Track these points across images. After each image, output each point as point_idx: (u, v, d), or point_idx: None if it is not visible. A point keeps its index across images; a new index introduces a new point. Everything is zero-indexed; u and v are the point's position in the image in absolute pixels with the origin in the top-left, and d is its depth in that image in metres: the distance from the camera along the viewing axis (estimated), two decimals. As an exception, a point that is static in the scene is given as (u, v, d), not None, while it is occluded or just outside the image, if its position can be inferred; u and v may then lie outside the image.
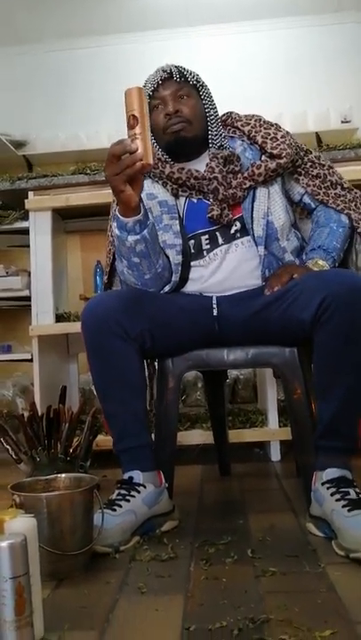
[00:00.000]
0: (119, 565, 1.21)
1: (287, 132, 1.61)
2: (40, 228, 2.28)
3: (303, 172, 1.62)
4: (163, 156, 1.59)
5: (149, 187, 1.58)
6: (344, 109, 4.44)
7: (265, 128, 1.60)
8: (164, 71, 1.55)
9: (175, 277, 1.54)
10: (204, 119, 1.57)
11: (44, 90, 4.78)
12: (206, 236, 1.55)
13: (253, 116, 1.66)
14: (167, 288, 1.55)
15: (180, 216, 1.57)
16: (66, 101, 4.74)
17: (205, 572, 1.15)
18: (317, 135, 4.55)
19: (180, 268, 1.54)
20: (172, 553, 1.25)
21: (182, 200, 1.59)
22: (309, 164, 1.63)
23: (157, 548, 1.28)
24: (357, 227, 1.58)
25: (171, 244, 1.55)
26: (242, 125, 1.62)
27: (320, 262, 1.51)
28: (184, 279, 1.57)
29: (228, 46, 4.72)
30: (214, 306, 1.53)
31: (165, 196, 1.58)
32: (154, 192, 1.59)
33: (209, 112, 1.58)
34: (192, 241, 1.56)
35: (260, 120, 1.63)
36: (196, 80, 1.57)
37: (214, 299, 1.54)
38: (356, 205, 1.60)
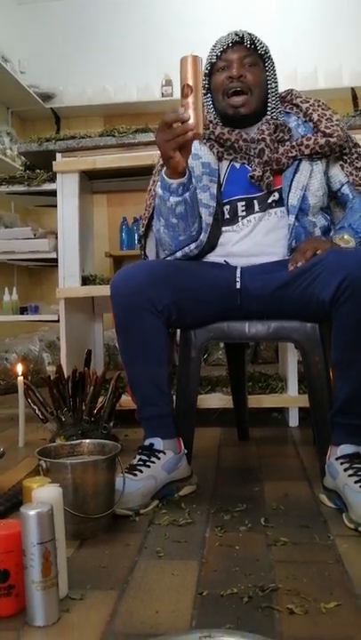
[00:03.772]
0: (139, 528, 1.28)
1: (342, 120, 1.62)
2: (67, 190, 2.29)
3: (348, 161, 1.61)
4: (215, 118, 1.62)
5: (196, 148, 1.61)
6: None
7: (323, 109, 1.62)
8: (236, 35, 1.56)
9: (203, 237, 1.56)
10: (264, 91, 1.59)
11: (70, 41, 4.68)
12: (243, 203, 1.58)
13: (313, 98, 1.67)
14: (193, 246, 1.56)
15: (219, 181, 1.60)
16: (93, 52, 4.65)
17: (220, 538, 1.21)
18: (353, 91, 4.41)
19: (209, 229, 1.57)
20: (188, 518, 1.31)
21: (225, 164, 1.62)
22: (356, 155, 1.62)
23: (175, 513, 1.35)
24: None
25: (205, 203, 1.57)
26: (301, 102, 1.63)
27: (346, 237, 1.51)
28: (213, 245, 1.59)
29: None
30: (238, 279, 1.54)
31: (210, 158, 1.61)
32: (199, 153, 1.61)
33: (270, 85, 1.60)
34: (228, 206, 1.59)
35: (320, 101, 1.65)
36: (265, 51, 1.58)
37: (238, 270, 1.55)
38: None
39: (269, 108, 1.61)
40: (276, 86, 1.61)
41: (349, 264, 1.32)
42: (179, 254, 1.57)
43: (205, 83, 1.63)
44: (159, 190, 1.47)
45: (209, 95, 1.63)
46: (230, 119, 1.59)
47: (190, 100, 1.30)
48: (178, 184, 1.43)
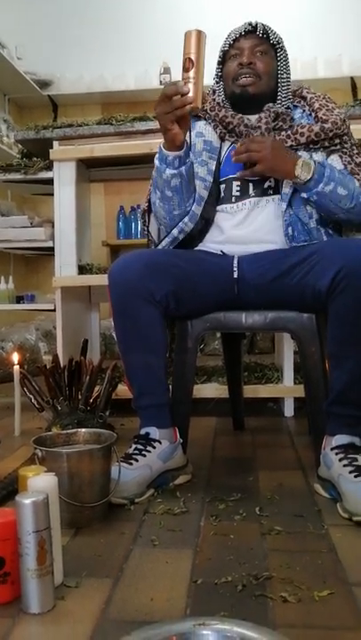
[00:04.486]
0: (134, 517, 1.29)
1: (345, 115, 1.62)
2: (64, 179, 2.28)
3: (349, 154, 1.60)
4: (223, 101, 1.64)
5: (201, 127, 1.65)
6: (382, 53, 4.26)
7: (326, 101, 1.63)
8: (249, 24, 1.59)
9: (196, 209, 1.56)
10: (274, 79, 1.61)
11: (68, 27, 4.63)
12: (238, 183, 1.59)
13: (323, 94, 1.68)
14: (187, 219, 1.56)
15: (219, 160, 1.62)
16: (91, 39, 4.59)
17: (215, 527, 1.22)
18: (352, 80, 4.38)
19: (203, 203, 1.58)
20: (183, 507, 1.32)
21: (226, 145, 1.64)
22: (356, 151, 1.62)
23: (170, 502, 1.36)
24: None
25: (202, 177, 1.59)
26: (307, 93, 1.65)
27: (311, 167, 1.47)
28: (208, 222, 1.59)
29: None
30: (235, 268, 1.55)
31: (212, 137, 1.64)
32: (203, 132, 1.64)
33: (281, 75, 1.62)
34: (223, 185, 1.61)
35: (327, 96, 1.66)
36: (278, 41, 1.61)
37: (235, 260, 1.55)
38: None
39: (279, 98, 1.61)
40: (288, 76, 1.62)
41: (346, 255, 1.32)
42: (175, 232, 1.57)
43: (218, 70, 1.65)
44: (156, 162, 1.49)
45: (221, 83, 1.65)
46: (238, 98, 1.60)
47: (191, 73, 1.31)
48: (174, 157, 1.45)
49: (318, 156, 1.57)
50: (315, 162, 1.50)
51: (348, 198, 1.50)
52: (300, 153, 1.56)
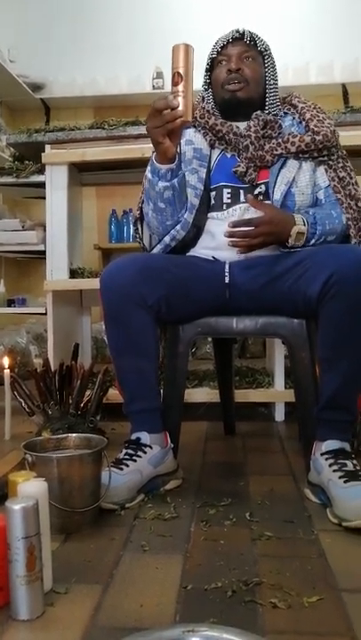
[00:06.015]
0: (124, 522, 1.28)
1: (335, 128, 1.62)
2: (56, 182, 2.27)
3: (334, 167, 1.61)
4: (212, 108, 1.64)
5: (190, 134, 1.65)
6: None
7: (317, 111, 1.64)
8: (237, 31, 1.60)
9: (188, 217, 1.57)
10: (262, 85, 1.62)
11: (61, 30, 4.63)
12: (229, 190, 1.60)
13: (312, 102, 1.68)
14: (178, 227, 1.57)
15: (209, 167, 1.63)
16: (84, 42, 4.60)
17: (205, 533, 1.22)
18: (344, 87, 4.41)
19: (194, 211, 1.58)
20: (174, 512, 1.32)
21: (216, 152, 1.65)
22: (341, 164, 1.62)
23: (160, 507, 1.35)
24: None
25: (193, 185, 1.60)
26: (298, 102, 1.66)
27: (304, 232, 1.48)
28: (199, 229, 1.60)
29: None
30: (226, 273, 1.55)
31: (202, 144, 1.64)
32: (193, 139, 1.65)
33: (269, 81, 1.62)
34: (214, 192, 1.61)
35: (317, 106, 1.66)
36: (265, 48, 1.62)
37: (227, 266, 1.56)
38: (358, 225, 1.58)
39: (267, 104, 1.62)
40: (275, 83, 1.63)
41: (337, 261, 1.33)
42: (167, 239, 1.58)
43: (206, 78, 1.66)
44: (148, 175, 1.50)
45: (210, 90, 1.66)
46: (227, 104, 1.61)
47: (180, 87, 1.32)
48: (167, 169, 1.46)
49: (308, 165, 1.58)
50: (306, 222, 1.48)
51: (334, 240, 1.54)
52: (289, 162, 1.57)
